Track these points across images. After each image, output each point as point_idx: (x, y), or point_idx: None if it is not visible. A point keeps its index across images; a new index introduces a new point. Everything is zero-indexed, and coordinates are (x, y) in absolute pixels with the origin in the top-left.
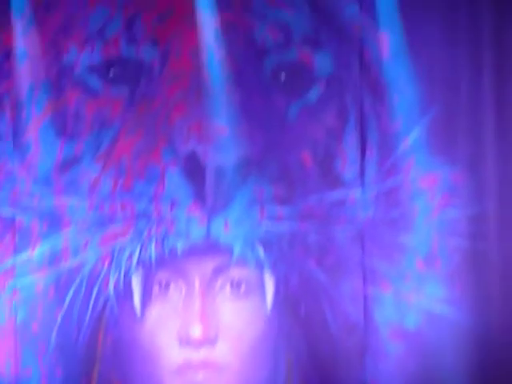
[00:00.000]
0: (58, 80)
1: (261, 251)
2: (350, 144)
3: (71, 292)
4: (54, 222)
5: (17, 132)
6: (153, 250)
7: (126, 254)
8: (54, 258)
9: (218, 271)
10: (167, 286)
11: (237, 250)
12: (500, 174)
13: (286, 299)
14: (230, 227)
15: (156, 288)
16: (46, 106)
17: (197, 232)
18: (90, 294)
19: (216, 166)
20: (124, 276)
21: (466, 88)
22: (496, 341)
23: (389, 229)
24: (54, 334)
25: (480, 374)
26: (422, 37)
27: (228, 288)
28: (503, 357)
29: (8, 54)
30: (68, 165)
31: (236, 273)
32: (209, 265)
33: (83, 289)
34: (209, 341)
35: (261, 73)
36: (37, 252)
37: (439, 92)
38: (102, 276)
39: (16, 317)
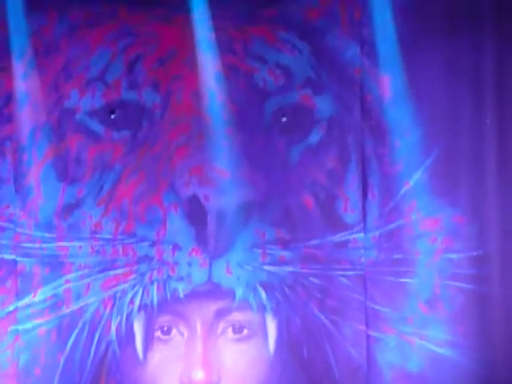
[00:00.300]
0: (59, 124)
1: (263, 294)
2: (351, 186)
3: (73, 336)
4: (55, 266)
5: (18, 176)
6: (155, 293)
7: (128, 297)
8: (55, 303)
9: (219, 315)
10: (169, 329)
11: (239, 293)
12: (502, 217)
13: (289, 342)
14: (231, 270)
15: (158, 332)
16: (47, 150)
17: (199, 275)
18: (92, 338)
19: (217, 210)
20: (126, 320)
21: (468, 130)
22: (499, 382)
23: (391, 271)
24: (56, 379)
25: None
26: (423, 78)
27: (230, 332)
28: None
29: (9, 98)
30: (69, 209)
31: (238, 316)
32: (211, 308)
33: (85, 333)
34: None
35: (262, 115)
36: (39, 296)
37: (441, 133)
38: (103, 320)
39: (18, 361)
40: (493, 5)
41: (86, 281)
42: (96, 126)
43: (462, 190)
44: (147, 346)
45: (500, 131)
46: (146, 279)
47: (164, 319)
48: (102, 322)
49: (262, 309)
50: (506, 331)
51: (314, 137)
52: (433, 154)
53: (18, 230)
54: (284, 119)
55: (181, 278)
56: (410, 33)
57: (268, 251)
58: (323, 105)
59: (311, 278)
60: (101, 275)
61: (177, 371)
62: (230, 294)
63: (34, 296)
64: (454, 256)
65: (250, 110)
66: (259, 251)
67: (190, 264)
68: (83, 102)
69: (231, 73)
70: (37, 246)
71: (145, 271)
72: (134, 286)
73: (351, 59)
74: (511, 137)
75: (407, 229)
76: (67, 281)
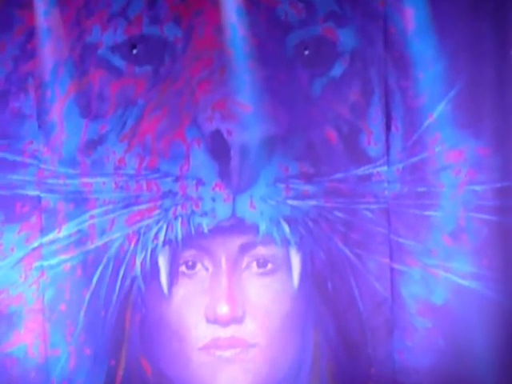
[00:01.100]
0: (81, 60)
1: (286, 229)
2: (374, 119)
3: (98, 272)
4: (79, 202)
5: (41, 112)
6: (179, 228)
7: (153, 233)
8: (80, 238)
9: (244, 249)
10: (194, 264)
11: (262, 227)
12: None
13: (313, 276)
14: (255, 205)
15: (183, 267)
16: (69, 86)
17: (222, 210)
18: (117, 274)
19: (241, 144)
20: (150, 255)
21: (492, 61)
22: None
23: (415, 204)
24: (81, 314)
25: (508, 347)
26: (446, 11)
27: (254, 266)
28: None
29: (31, 34)
30: (93, 145)
31: (262, 250)
32: (235, 243)
33: (110, 268)
34: (236, 319)
35: (284, 49)
36: (63, 232)
37: (464, 66)
38: (128, 255)
39: (43, 297)
40: None
41: (111, 216)
42: (118, 61)
43: (486, 121)
44: (172, 281)
45: None
46: (170, 214)
47: (188, 254)
48: (127, 258)
49: (286, 243)
50: None
51: (337, 70)
52: (456, 86)
53: (42, 166)
54: (306, 52)
55: (205, 213)
56: None
57: (291, 185)
58: (346, 38)
59: (335, 212)
60: (125, 211)
61: (201, 305)
62: (254, 228)
63: (58, 232)
64: (478, 188)
65: (272, 43)
66: (282, 185)
67: (213, 199)
68: (105, 37)
69: (253, 6)
70: (61, 182)
71: (169, 206)
72: (159, 221)
73: None
74: None
75: (431, 161)
76: (91, 216)
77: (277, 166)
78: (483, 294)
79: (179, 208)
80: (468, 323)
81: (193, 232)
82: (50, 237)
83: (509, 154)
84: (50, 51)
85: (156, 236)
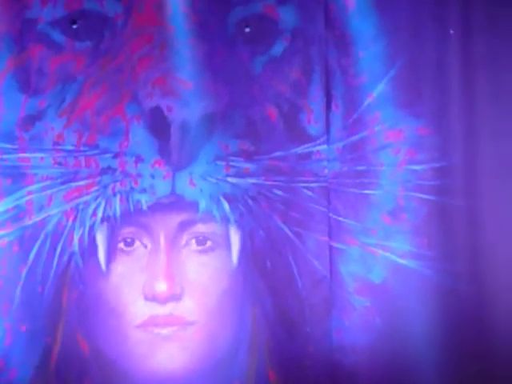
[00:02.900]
0: (20, 34)
1: (226, 206)
2: (315, 98)
3: (35, 248)
4: (17, 177)
5: None
6: (117, 205)
7: (91, 209)
8: (17, 214)
9: (183, 226)
10: (132, 241)
11: (202, 205)
12: (465, 127)
13: (252, 254)
14: (195, 182)
15: (121, 244)
16: (8, 61)
17: (162, 187)
18: (55, 250)
19: (181, 121)
20: (89, 232)
21: (432, 40)
22: (462, 293)
23: (354, 183)
24: (18, 290)
25: (446, 326)
26: None
27: (193, 243)
28: (469, 308)
29: None
30: (31, 120)
31: (201, 228)
32: (174, 220)
33: (47, 244)
34: (174, 296)
35: (225, 26)
36: (0, 208)
37: (405, 45)
38: (66, 231)
39: None
40: None
41: (48, 192)
42: (58, 36)
43: (426, 101)
44: (110, 258)
45: (463, 41)
46: (109, 191)
47: (127, 231)
48: (65, 234)
49: (226, 220)
50: (469, 242)
51: (278, 48)
52: (396, 65)
53: None
54: (247, 30)
55: (144, 190)
56: None
57: (231, 163)
58: (287, 15)
59: (275, 190)
60: (63, 187)
61: (140, 283)
62: (194, 205)
63: None
64: (417, 167)
65: (213, 20)
66: (223, 163)
67: (153, 176)
68: (45, 12)
69: None
70: None
71: (107, 183)
72: (97, 197)
73: None
74: (474, 47)
75: (371, 140)
76: (29, 192)
77: (217, 143)
78: (421, 273)
79: (118, 185)
80: (406, 302)
81: (131, 209)
82: None
83: (448, 134)
84: None
85: (94, 212)
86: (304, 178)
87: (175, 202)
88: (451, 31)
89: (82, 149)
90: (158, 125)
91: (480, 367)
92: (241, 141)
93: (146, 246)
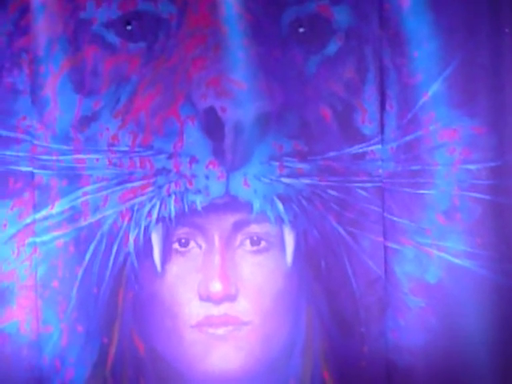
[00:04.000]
0: (75, 36)
1: (280, 207)
2: (369, 98)
3: (91, 248)
4: (72, 178)
5: (35, 88)
6: (172, 206)
7: (146, 210)
8: (73, 215)
9: (237, 227)
10: (187, 242)
11: (256, 205)
12: None
13: (306, 254)
14: (249, 183)
15: (176, 244)
16: (63, 62)
17: (216, 188)
18: (110, 251)
19: (235, 122)
20: (144, 232)
21: (487, 39)
22: None
23: (409, 183)
24: (74, 291)
25: (502, 326)
26: None
27: (248, 244)
28: None
29: (25, 10)
30: (86, 121)
31: (256, 228)
32: (228, 221)
33: (103, 245)
34: (229, 296)
35: (279, 26)
36: (56, 209)
37: (460, 44)
38: (121, 232)
39: (36, 274)
40: None
41: (104, 193)
42: (112, 37)
43: (481, 100)
44: (165, 258)
45: None
46: (164, 192)
47: (182, 231)
48: (120, 234)
49: (280, 221)
50: None
51: (332, 48)
52: (451, 65)
53: (35, 142)
54: (301, 30)
55: (198, 191)
56: None
57: (285, 163)
58: (341, 15)
59: (329, 190)
60: (118, 187)
61: (195, 283)
62: (248, 206)
63: (51, 208)
64: (472, 167)
65: (266, 20)
66: (276, 164)
67: (207, 177)
68: (99, 13)
69: None
70: (54, 158)
71: (162, 184)
72: (152, 198)
73: None
74: None
75: (425, 140)
76: (85, 193)
77: (271, 143)
78: (476, 272)
79: (173, 185)
80: (461, 302)
81: (186, 209)
82: (43, 213)
83: (503, 133)
84: (43, 27)
85: (149, 213)
86: (358, 178)
87: (229, 203)
88: (506, 30)
89: (136, 150)
90: (212, 125)
91: None
92: (295, 141)
93: (200, 247)
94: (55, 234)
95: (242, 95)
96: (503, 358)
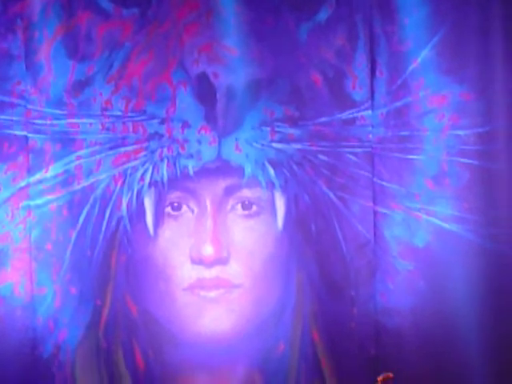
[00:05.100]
0: (69, 2)
1: (271, 172)
2: (359, 64)
3: (84, 212)
4: (66, 142)
5: (29, 53)
6: (165, 170)
7: (139, 174)
8: (67, 179)
9: (229, 191)
10: (179, 206)
11: (248, 170)
12: (509, 93)
13: (297, 219)
14: (240, 148)
15: (168, 208)
16: (57, 28)
17: (208, 153)
18: (103, 214)
19: (227, 87)
20: (136, 196)
21: (476, 6)
22: (505, 256)
23: (398, 148)
24: (68, 253)
25: (487, 288)
26: None
27: (239, 208)
28: (510, 270)
29: None
30: (80, 86)
31: (247, 193)
32: (220, 185)
33: (96, 209)
34: (220, 260)
35: None
36: (50, 172)
37: (448, 11)
38: (114, 196)
39: (30, 236)
40: None
41: (97, 157)
42: (105, 3)
43: (469, 67)
44: (158, 222)
45: (506, 7)
46: (156, 156)
47: (174, 196)
48: (113, 198)
49: (271, 186)
50: (510, 206)
51: (323, 15)
52: (441, 32)
53: (29, 106)
54: None
55: (190, 156)
56: None
57: (276, 129)
58: None
59: (319, 156)
60: (111, 152)
61: (187, 246)
62: (239, 171)
63: (45, 172)
64: (460, 132)
65: None
66: (268, 129)
67: (199, 141)
68: None
69: None
70: (48, 122)
71: (155, 148)
72: (145, 162)
73: None
74: None
75: (415, 106)
76: (78, 157)
77: (262, 109)
78: (464, 236)
79: (165, 150)
80: (448, 265)
81: (178, 174)
82: (37, 177)
83: (491, 99)
84: None
85: (142, 177)
86: (348, 144)
87: (221, 168)
88: None
89: (129, 115)
90: (204, 91)
91: None
92: (286, 107)
93: (192, 211)
94: (49, 197)
95: (233, 61)
96: (488, 318)
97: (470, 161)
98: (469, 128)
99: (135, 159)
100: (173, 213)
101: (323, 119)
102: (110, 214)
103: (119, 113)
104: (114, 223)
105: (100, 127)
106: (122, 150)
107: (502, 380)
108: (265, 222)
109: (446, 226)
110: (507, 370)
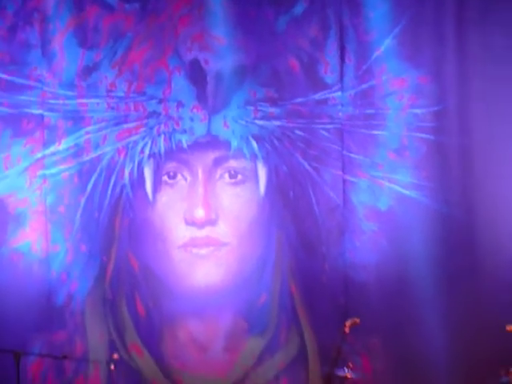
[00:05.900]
0: None
1: (255, 145)
2: (331, 52)
3: (92, 180)
4: (77, 120)
5: (45, 42)
6: (162, 144)
7: (139, 147)
8: (77, 151)
9: (217, 162)
10: (174, 175)
11: (234, 144)
12: (459, 75)
13: (277, 186)
14: (228, 124)
15: (165, 177)
16: (69, 20)
17: (199, 129)
18: (109, 182)
19: (216, 72)
20: (137, 166)
21: (431, 2)
22: (457, 219)
23: (364, 124)
24: (78, 216)
25: (442, 246)
26: None
27: (226, 177)
28: (461, 230)
29: None
30: (88, 71)
31: (233, 164)
32: (210, 157)
33: (102, 177)
34: (210, 221)
35: None
36: (63, 145)
37: (408, 6)
38: (118, 166)
39: (46, 201)
40: None
41: (103, 132)
42: None
43: (425, 53)
44: (156, 189)
45: (459, 3)
46: (155, 132)
47: (170, 166)
48: (117, 168)
49: (254, 157)
50: (462, 175)
51: (299, 8)
52: (401, 23)
53: (45, 88)
54: None
55: (184, 131)
56: None
57: (259, 108)
58: None
59: (296, 131)
60: (115, 128)
61: (181, 210)
62: (227, 144)
63: (58, 145)
64: (418, 111)
65: None
66: (251, 108)
67: (192, 119)
68: None
69: None
70: (61, 102)
71: (153, 125)
72: (144, 137)
73: None
74: (468, 4)
75: (378, 88)
76: (87, 132)
77: (247, 90)
78: (422, 201)
79: (162, 126)
80: (408, 227)
81: (174, 147)
82: (52, 149)
83: (444, 81)
84: None
85: (142, 150)
86: (321, 121)
87: (211, 142)
88: None
89: (131, 95)
90: (196, 75)
91: (468, 278)
92: (267, 89)
93: (186, 179)
94: (62, 167)
95: (222, 49)
96: (443, 273)
97: (427, 135)
98: (425, 107)
99: (136, 134)
100: (169, 181)
101: (299, 99)
102: (115, 182)
103: (122, 94)
104: (117, 190)
105: (106, 106)
106: (125, 126)
107: (451, 318)
108: (249, 189)
109: (406, 192)
110: (455, 310)
